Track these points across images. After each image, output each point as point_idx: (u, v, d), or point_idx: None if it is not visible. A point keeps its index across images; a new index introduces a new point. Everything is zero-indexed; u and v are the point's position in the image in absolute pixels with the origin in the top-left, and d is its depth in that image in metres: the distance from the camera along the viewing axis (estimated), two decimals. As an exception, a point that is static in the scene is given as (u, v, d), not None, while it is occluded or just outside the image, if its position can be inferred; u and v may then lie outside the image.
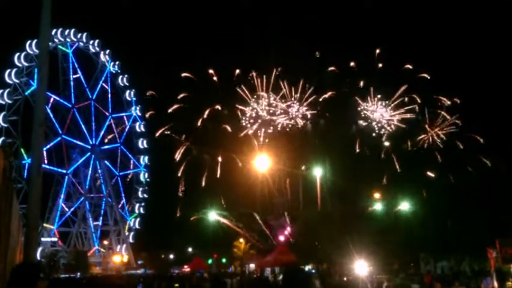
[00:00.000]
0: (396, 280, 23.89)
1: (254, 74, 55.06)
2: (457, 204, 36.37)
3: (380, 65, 55.68)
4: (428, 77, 52.90)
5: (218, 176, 53.11)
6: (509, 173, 35.16)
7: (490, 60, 52.21)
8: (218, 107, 53.94)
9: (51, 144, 57.77)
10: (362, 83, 54.13)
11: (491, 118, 49.52)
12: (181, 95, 57.85)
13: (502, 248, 20.84)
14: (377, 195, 48.56)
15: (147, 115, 64.35)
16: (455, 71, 53.49)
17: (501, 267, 21.81)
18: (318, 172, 49.11)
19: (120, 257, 62.01)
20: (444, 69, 53.89)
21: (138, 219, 67.46)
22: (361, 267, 23.68)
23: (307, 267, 38.94)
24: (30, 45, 52.29)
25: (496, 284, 20.90)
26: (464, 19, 56.38)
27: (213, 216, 49.57)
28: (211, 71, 55.49)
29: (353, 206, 47.75)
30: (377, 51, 57.29)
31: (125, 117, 69.14)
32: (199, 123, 54.44)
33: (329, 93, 53.19)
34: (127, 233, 66.27)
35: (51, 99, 56.94)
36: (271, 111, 54.48)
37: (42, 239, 53.14)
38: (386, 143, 52.44)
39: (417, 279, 26.13)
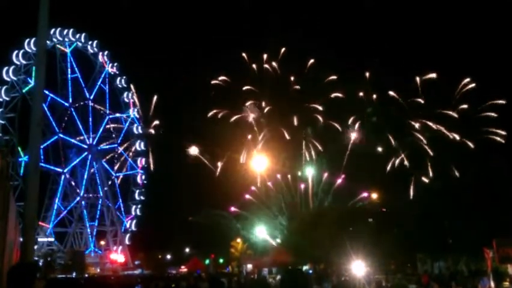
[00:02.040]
0: (394, 280, 23.99)
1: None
2: (454, 204, 36.38)
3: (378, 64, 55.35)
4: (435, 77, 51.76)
5: (216, 178, 52.90)
6: (509, 173, 35.18)
7: (487, 64, 51.87)
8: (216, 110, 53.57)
9: (48, 142, 57.71)
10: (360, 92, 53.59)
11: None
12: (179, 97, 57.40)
13: (499, 247, 20.85)
14: (374, 196, 48.59)
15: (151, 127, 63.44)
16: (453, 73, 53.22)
17: (498, 267, 21.85)
18: (310, 172, 49.22)
19: (118, 255, 62.02)
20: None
21: (134, 221, 67.36)
22: (358, 267, 23.67)
23: (304, 268, 38.93)
24: (28, 43, 52.25)
25: (492, 284, 20.96)
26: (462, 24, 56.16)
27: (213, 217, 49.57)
28: (209, 79, 54.88)
29: (349, 206, 47.84)
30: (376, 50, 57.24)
31: (122, 119, 69.07)
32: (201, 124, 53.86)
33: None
34: (123, 234, 66.19)
35: (49, 98, 56.89)
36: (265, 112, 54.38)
37: (39, 239, 53.01)
38: (379, 148, 52.06)
39: (414, 280, 26.18)
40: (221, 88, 54.56)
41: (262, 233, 48.16)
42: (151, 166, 64.37)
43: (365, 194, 48.08)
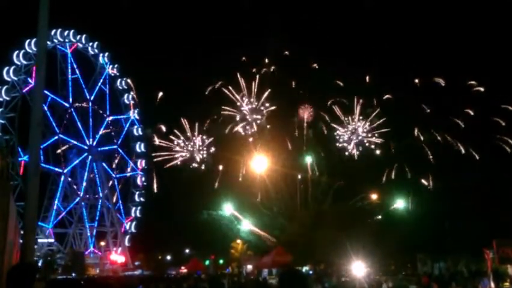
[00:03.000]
0: (394, 281, 23.97)
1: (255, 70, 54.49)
2: (454, 204, 36.40)
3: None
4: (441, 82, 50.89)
5: (218, 178, 52.86)
6: (508, 173, 35.21)
7: (493, 68, 51.10)
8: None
9: (48, 142, 57.74)
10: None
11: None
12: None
13: (499, 248, 20.84)
14: (374, 196, 48.54)
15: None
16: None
17: (498, 268, 21.83)
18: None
19: (118, 256, 62.04)
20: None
21: (134, 223, 67.32)
22: (358, 268, 23.68)
23: (304, 268, 38.92)
24: (29, 44, 52.33)
25: (493, 284, 20.95)
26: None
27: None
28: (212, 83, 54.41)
29: (349, 207, 47.81)
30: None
31: (123, 120, 69.07)
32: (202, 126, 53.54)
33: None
34: (123, 235, 66.17)
35: (49, 98, 56.94)
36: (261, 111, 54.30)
37: (39, 240, 53.01)
38: (377, 151, 51.82)
39: (414, 280, 26.15)
40: (220, 91, 54.47)
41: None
42: (155, 188, 63.37)
43: (365, 195, 48.07)
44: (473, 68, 51.35)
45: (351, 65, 56.68)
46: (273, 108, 53.79)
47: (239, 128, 53.94)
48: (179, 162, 55.53)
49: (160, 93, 57.77)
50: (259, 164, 51.10)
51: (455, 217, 36.81)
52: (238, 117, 54.29)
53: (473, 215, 34.57)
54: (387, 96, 52.25)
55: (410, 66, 54.47)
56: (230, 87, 55.08)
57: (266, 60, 54.91)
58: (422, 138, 51.21)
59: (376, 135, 52.66)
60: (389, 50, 56.90)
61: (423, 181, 48.19)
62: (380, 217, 45.30)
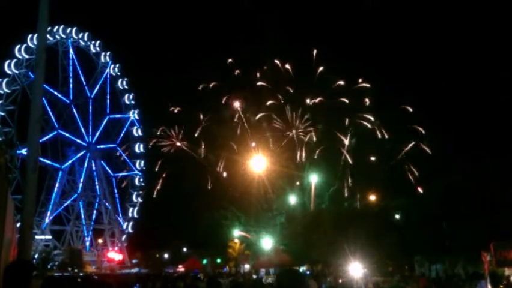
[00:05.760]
0: (391, 282, 23.99)
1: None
2: (452, 206, 36.37)
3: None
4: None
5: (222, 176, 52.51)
6: (506, 175, 35.16)
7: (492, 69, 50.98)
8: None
9: (47, 137, 57.75)
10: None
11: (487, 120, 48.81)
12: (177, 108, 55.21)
13: (497, 251, 20.80)
14: (372, 197, 48.52)
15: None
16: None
17: (495, 271, 21.83)
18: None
19: (116, 254, 62.03)
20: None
21: (131, 223, 67.27)
22: (356, 269, 23.71)
23: (301, 268, 38.94)
24: (31, 38, 52.39)
25: (490, 287, 20.95)
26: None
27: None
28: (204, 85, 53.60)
29: (347, 208, 47.84)
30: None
31: (123, 120, 69.04)
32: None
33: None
34: (120, 234, 66.16)
35: (49, 94, 56.96)
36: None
37: (36, 237, 52.99)
38: (372, 158, 51.46)
39: (411, 282, 26.18)
40: (217, 91, 53.95)
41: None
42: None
43: (362, 196, 48.06)
44: (473, 68, 51.65)
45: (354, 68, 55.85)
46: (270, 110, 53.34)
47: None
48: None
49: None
50: (258, 163, 51.09)
51: (453, 219, 36.78)
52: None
53: (471, 217, 34.55)
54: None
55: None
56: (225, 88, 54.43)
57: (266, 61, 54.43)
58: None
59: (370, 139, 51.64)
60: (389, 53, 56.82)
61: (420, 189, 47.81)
62: (377, 218, 45.27)
